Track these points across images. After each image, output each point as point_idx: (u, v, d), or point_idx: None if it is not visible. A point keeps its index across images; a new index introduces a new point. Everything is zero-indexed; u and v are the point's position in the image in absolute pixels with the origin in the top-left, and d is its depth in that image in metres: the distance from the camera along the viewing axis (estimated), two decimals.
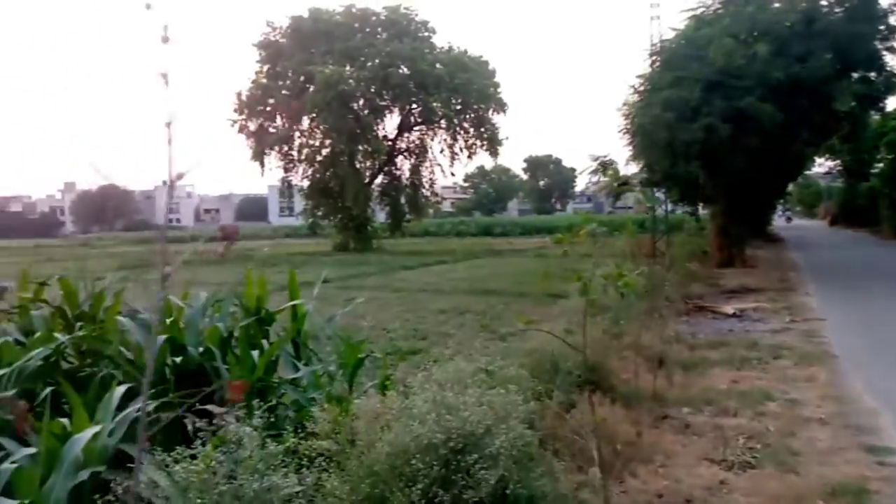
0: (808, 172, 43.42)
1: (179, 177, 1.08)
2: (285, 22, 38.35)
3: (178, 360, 4.12)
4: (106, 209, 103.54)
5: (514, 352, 5.30)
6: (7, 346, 4.16)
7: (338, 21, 37.97)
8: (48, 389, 3.77)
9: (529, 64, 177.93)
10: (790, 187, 40.71)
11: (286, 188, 41.28)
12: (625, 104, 20.34)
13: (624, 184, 14.73)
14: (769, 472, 4.88)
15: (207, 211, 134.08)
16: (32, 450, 2.91)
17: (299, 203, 43.70)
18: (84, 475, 2.92)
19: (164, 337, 4.17)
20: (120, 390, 3.46)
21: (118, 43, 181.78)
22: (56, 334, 4.28)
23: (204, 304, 4.65)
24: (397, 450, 2.69)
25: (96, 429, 3.04)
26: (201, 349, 4.30)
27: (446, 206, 46.81)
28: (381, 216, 43.62)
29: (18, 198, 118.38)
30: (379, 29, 38.59)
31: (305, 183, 39.98)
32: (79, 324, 4.94)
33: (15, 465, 2.80)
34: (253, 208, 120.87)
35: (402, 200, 41.48)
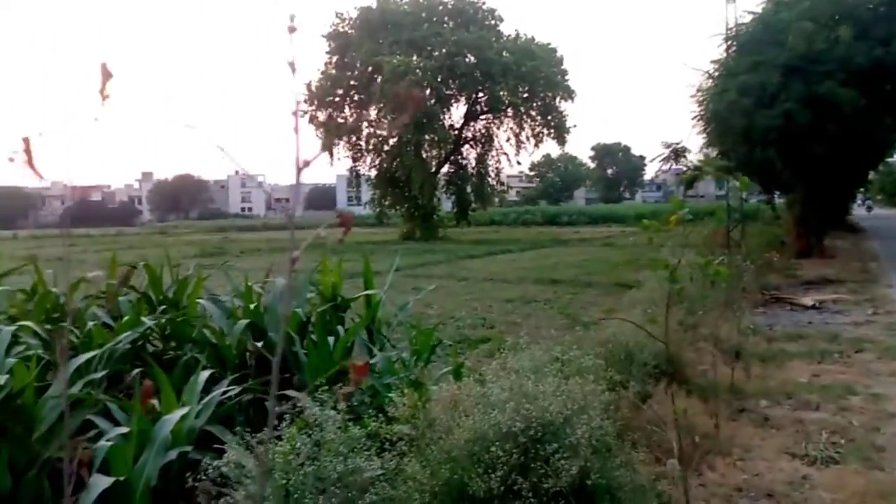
0: (890, 160, 41.56)
1: (307, 164, 1.09)
2: (354, 13, 38.80)
3: (259, 344, 4.21)
4: (181, 198, 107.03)
5: (588, 341, 5.24)
6: (98, 330, 4.34)
7: (405, 11, 38.14)
8: (136, 371, 3.93)
9: (599, 50, 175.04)
10: (871, 175, 39.04)
11: (354, 178, 41.80)
12: (699, 90, 19.76)
13: (697, 171, 14.37)
14: (853, 468, 4.71)
15: (278, 200, 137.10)
16: (125, 429, 3.03)
17: (366, 192, 44.18)
18: (173, 454, 3.03)
19: (245, 321, 4.29)
20: (205, 374, 3.57)
21: (194, 36, 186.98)
22: (143, 318, 4.44)
23: (283, 291, 4.75)
24: (476, 436, 2.70)
25: (184, 410, 3.15)
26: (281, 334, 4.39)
27: (512, 196, 46.53)
28: (447, 205, 43.75)
29: (99, 187, 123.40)
30: (446, 18, 38.59)
31: (373, 172, 40.46)
32: (163, 308, 5.13)
33: (110, 443, 2.92)
34: (321, 197, 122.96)
35: (468, 189, 41.48)
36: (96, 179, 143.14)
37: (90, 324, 4.42)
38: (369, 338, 5.22)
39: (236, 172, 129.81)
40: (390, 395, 3.44)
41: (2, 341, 3.70)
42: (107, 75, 1.17)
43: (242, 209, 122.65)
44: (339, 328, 4.87)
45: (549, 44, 38.49)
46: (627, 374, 4.60)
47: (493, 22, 38.75)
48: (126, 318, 4.49)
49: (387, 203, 41.06)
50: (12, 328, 3.87)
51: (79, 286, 5.42)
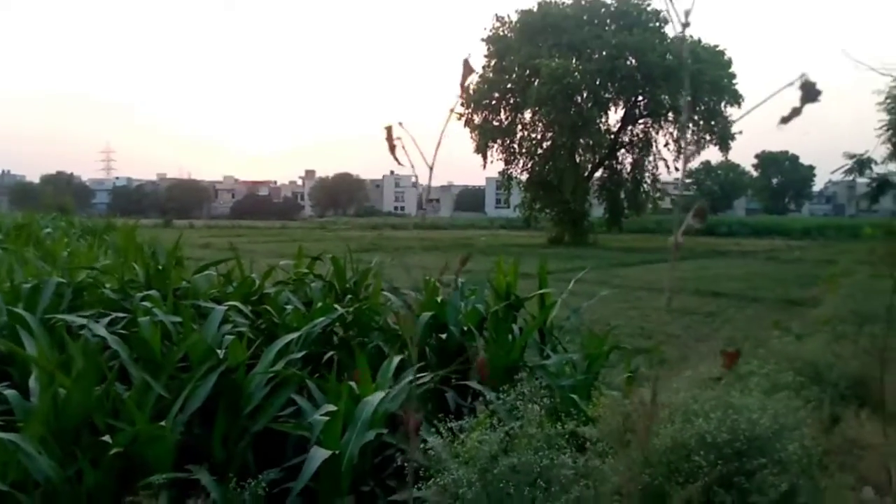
0: None
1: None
2: (514, 17, 39.03)
3: (442, 336, 4.36)
4: (339, 196, 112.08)
5: (776, 357, 4.98)
6: (297, 314, 4.66)
7: (566, 14, 37.86)
8: (330, 353, 4.19)
9: (772, 51, 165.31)
10: None
11: (505, 180, 41.95)
12: (888, 97, 18.20)
13: (884, 183, 13.25)
14: None
15: (430, 201, 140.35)
16: (333, 407, 3.24)
17: (516, 195, 44.26)
18: (370, 435, 3.20)
19: (428, 314, 4.45)
20: (395, 360, 3.75)
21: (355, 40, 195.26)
22: (335, 305, 4.71)
23: (462, 287, 4.88)
24: (676, 444, 2.66)
25: (382, 394, 3.32)
26: (461, 329, 4.52)
27: (666, 203, 44.90)
28: (598, 211, 43.03)
29: (266, 183, 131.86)
30: (608, 21, 37.93)
31: (524, 175, 40.49)
32: (347, 297, 5.42)
33: (325, 419, 3.14)
34: (470, 199, 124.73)
35: (622, 195, 40.58)
36: (264, 175, 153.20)
37: (288, 307, 4.75)
38: (541, 338, 5.25)
39: (391, 172, 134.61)
40: (573, 395, 3.45)
41: (215, 319, 4.06)
42: (468, 71, 1.27)
43: (395, 208, 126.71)
44: (514, 326, 4.95)
45: (717, 46, 36.87)
46: (818, 393, 4.34)
47: (657, 24, 37.63)
48: (319, 304, 4.79)
49: (537, 206, 40.97)
50: (224, 307, 4.23)
51: (271, 273, 5.84)
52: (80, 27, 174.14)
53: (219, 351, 3.68)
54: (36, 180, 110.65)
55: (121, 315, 4.23)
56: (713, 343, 9.09)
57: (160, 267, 5.30)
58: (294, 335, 3.91)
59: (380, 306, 4.98)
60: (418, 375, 3.74)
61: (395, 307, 4.76)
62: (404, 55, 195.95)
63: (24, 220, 14.67)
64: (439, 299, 4.74)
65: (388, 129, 1.33)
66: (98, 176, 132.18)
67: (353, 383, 3.48)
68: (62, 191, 79.41)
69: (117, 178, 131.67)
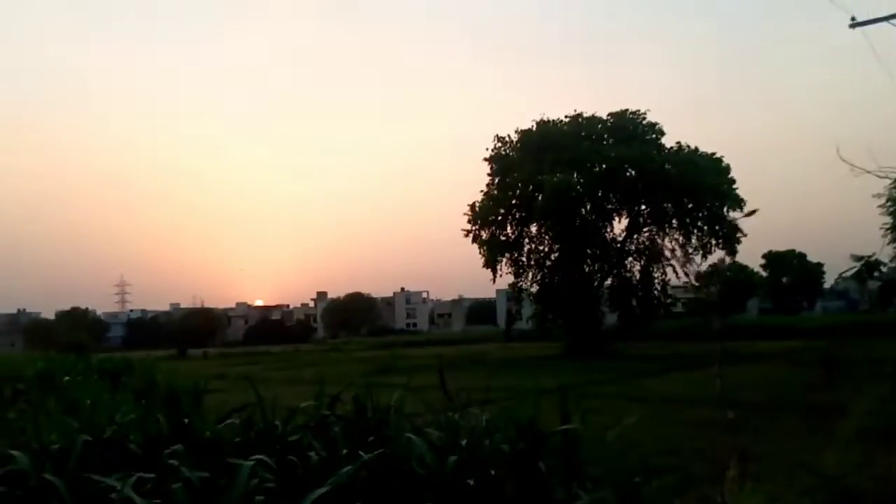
0: None
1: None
2: (514, 136, 40.45)
3: (469, 482, 4.32)
4: (351, 316, 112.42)
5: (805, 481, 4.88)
6: (322, 462, 4.65)
7: (564, 131, 39.26)
8: None
9: (767, 154, 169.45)
10: None
11: (516, 293, 42.15)
12: (889, 200, 18.55)
13: (892, 286, 13.30)
14: None
15: (441, 315, 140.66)
16: None
17: (527, 307, 44.33)
18: None
19: (454, 458, 4.43)
20: None
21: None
22: (360, 453, 4.69)
23: (488, 424, 4.87)
24: None
25: None
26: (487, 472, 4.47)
27: (679, 308, 44.91)
28: (610, 319, 42.94)
29: (278, 307, 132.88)
30: (605, 135, 39.25)
31: (534, 287, 40.72)
32: (370, 439, 5.40)
33: None
34: (481, 312, 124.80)
35: (633, 303, 40.60)
36: (276, 300, 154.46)
37: (313, 455, 4.75)
38: (568, 474, 5.17)
39: (402, 290, 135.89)
40: None
41: (243, 475, 4.06)
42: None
43: (407, 325, 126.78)
44: (540, 465, 4.89)
45: (714, 153, 37.88)
46: None
47: (653, 136, 38.91)
48: (344, 451, 4.78)
49: (549, 317, 40.98)
50: (251, 463, 4.23)
51: (296, 419, 5.85)
52: (86, 153, 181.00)
53: None
54: (51, 317, 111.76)
55: (148, 475, 4.24)
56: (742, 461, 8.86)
57: (185, 420, 5.32)
58: (322, 490, 3.90)
59: (406, 449, 4.96)
60: None
61: (420, 451, 4.73)
62: (410, 175, 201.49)
63: (43, 366, 14.77)
64: (463, 442, 4.72)
65: None
66: (113, 309, 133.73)
67: None
68: (77, 326, 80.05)
69: (132, 310, 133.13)
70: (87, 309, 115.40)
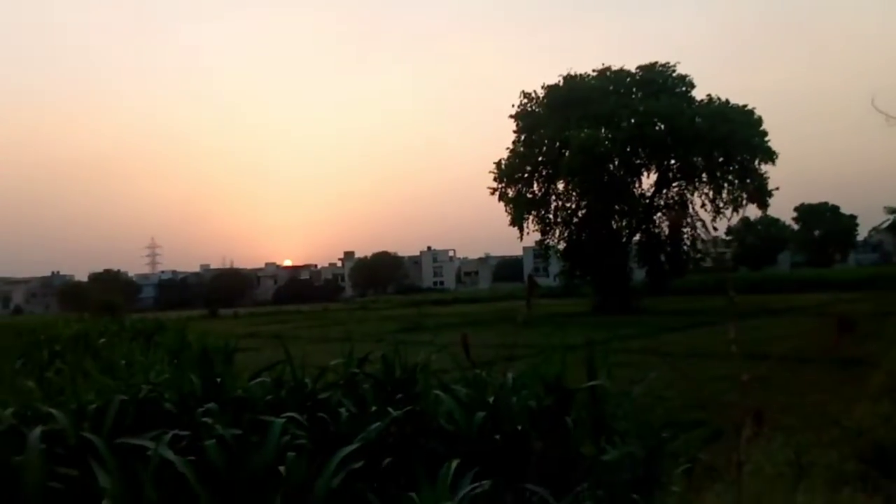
0: None
1: None
2: (541, 92, 39.90)
3: (496, 437, 4.37)
4: (379, 275, 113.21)
5: (832, 435, 4.88)
6: (351, 419, 4.74)
7: (592, 86, 38.63)
8: (387, 460, 4.24)
9: (800, 106, 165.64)
10: None
11: (543, 250, 42.02)
12: None
13: None
14: None
15: (468, 274, 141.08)
16: None
17: (555, 264, 44.28)
18: None
19: (482, 414, 4.48)
20: (454, 464, 3.77)
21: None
22: (389, 409, 4.77)
23: (515, 381, 4.91)
24: None
25: None
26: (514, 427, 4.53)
27: (709, 263, 44.40)
28: (639, 275, 42.76)
29: (307, 266, 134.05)
30: (634, 89, 38.59)
31: (562, 244, 40.56)
32: (398, 396, 5.48)
33: None
34: (508, 270, 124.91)
35: (662, 258, 40.32)
36: (305, 259, 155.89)
37: (342, 410, 4.84)
38: (594, 428, 5.21)
39: (428, 248, 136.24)
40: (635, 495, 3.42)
41: (275, 433, 4.15)
42: None
43: (434, 283, 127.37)
44: (567, 419, 4.93)
45: (745, 105, 37.02)
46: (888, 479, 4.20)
47: (683, 89, 38.13)
48: (374, 408, 4.87)
49: (576, 274, 40.91)
50: (282, 420, 4.33)
51: (325, 377, 5.95)
52: (116, 115, 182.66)
53: (281, 468, 3.76)
54: (84, 279, 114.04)
55: (182, 433, 4.35)
56: (770, 414, 8.85)
57: (217, 379, 5.43)
58: (351, 447, 3.97)
59: (433, 406, 5.03)
60: (482, 482, 3.76)
61: (448, 407, 4.80)
62: (437, 131, 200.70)
63: (79, 328, 15.12)
64: (490, 399, 4.77)
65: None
66: (144, 271, 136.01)
67: (413, 494, 3.52)
68: (110, 288, 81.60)
69: (163, 272, 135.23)
70: (119, 271, 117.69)
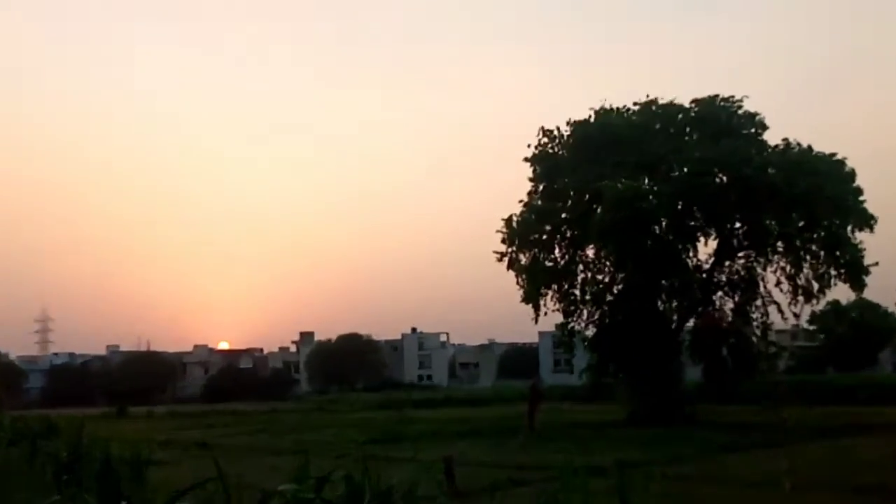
0: None
1: None
2: (565, 129, 40.38)
3: None
4: (346, 364, 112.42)
5: None
6: None
7: (632, 122, 39.17)
8: None
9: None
10: None
11: (565, 336, 41.92)
12: None
13: None
14: None
15: (464, 366, 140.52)
16: None
17: (580, 356, 44.22)
18: None
19: None
20: None
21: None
22: None
23: None
24: None
25: None
26: None
27: (786, 359, 44.50)
28: (693, 373, 42.65)
29: (250, 351, 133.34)
30: (687, 128, 39.13)
31: (590, 330, 40.55)
32: None
33: None
34: (518, 361, 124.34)
35: (724, 352, 40.26)
36: (247, 342, 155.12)
37: None
38: None
39: (413, 331, 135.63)
40: None
41: None
42: None
43: (420, 377, 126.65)
44: None
45: (834, 154, 37.27)
46: None
47: (753, 130, 38.58)
48: None
49: (609, 370, 40.80)
50: None
51: None
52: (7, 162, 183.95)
53: None
54: None
55: None
56: None
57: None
58: None
59: None
60: None
61: None
62: (425, 179, 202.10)
63: None
64: None
65: None
66: (32, 352, 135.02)
67: None
68: None
69: (56, 354, 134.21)
70: None
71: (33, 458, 9.76)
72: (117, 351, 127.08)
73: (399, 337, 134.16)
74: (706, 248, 40.05)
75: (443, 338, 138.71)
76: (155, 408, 63.51)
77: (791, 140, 37.95)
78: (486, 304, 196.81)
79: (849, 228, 36.68)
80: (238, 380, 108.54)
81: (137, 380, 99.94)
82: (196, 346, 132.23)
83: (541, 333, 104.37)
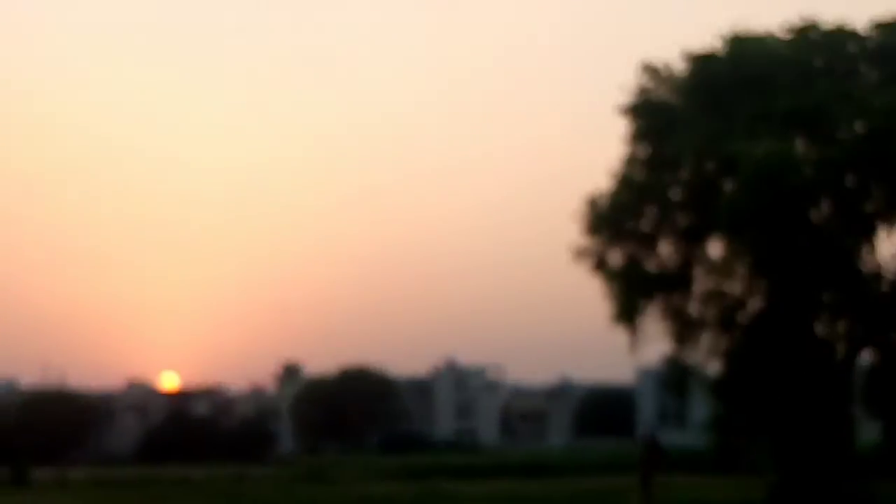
0: None
1: None
2: (679, 66, 39.86)
3: None
4: (348, 411, 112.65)
5: None
6: None
7: (781, 54, 38.63)
8: None
9: None
10: None
11: (677, 374, 41.73)
12: None
13: None
14: None
15: (525, 417, 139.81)
16: None
17: (698, 404, 44.03)
18: None
19: None
20: None
21: None
22: None
23: None
24: None
25: None
26: None
27: None
28: (869, 430, 42.28)
29: (209, 391, 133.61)
30: (862, 66, 38.68)
31: (714, 366, 40.23)
32: None
33: None
34: (606, 410, 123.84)
35: None
36: (204, 375, 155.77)
37: None
38: None
39: (446, 363, 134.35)
40: None
41: None
42: None
43: (458, 431, 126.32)
44: None
45: None
46: None
47: None
48: None
49: (742, 426, 40.53)
50: None
51: None
52: None
53: None
54: None
55: None
56: None
57: None
58: None
59: None
60: None
61: None
62: (464, 143, 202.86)
63: None
64: None
65: None
66: None
67: None
68: None
69: None
70: None
71: None
72: (15, 386, 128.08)
73: (428, 373, 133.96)
74: (890, 246, 39.63)
75: (492, 374, 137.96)
76: (67, 471, 63.60)
77: None
78: (558, 326, 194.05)
79: None
80: (191, 432, 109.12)
81: (45, 430, 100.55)
82: (131, 383, 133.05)
83: (640, 371, 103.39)
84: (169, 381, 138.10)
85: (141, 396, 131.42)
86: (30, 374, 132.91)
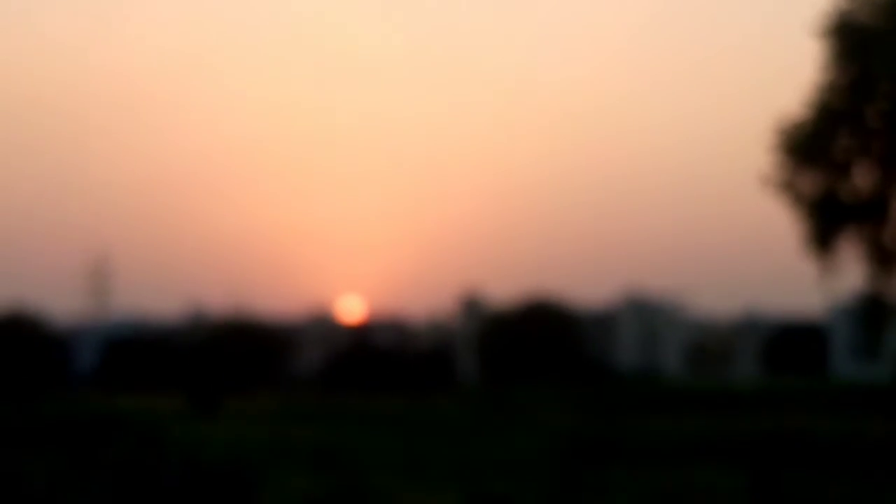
0: None
1: None
2: None
3: None
4: (531, 344, 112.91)
5: None
6: None
7: None
8: None
9: None
10: None
11: (872, 308, 41.01)
12: None
13: None
14: None
15: (710, 351, 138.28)
16: None
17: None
18: None
19: None
20: None
21: None
22: None
23: None
24: None
25: None
26: None
27: None
28: None
29: (393, 324, 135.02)
30: None
31: None
32: None
33: None
34: (795, 345, 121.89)
35: None
36: (377, 304, 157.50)
37: None
38: None
39: (629, 293, 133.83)
40: None
41: None
42: None
43: (643, 363, 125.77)
44: None
45: None
46: None
47: None
48: None
49: None
50: None
51: None
52: None
53: None
54: None
55: None
56: None
57: None
58: None
59: None
60: None
61: None
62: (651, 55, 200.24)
63: None
64: None
65: None
66: (82, 314, 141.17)
67: None
68: None
69: (115, 317, 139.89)
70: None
71: (87, 469, 10.15)
72: (202, 317, 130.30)
73: (611, 303, 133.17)
74: None
75: (677, 305, 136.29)
76: (256, 398, 65.01)
77: None
78: (744, 256, 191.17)
79: None
80: (374, 363, 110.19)
81: (233, 360, 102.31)
82: (313, 314, 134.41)
83: (831, 304, 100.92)
84: (351, 308, 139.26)
85: (325, 328, 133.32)
86: (211, 301, 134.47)
